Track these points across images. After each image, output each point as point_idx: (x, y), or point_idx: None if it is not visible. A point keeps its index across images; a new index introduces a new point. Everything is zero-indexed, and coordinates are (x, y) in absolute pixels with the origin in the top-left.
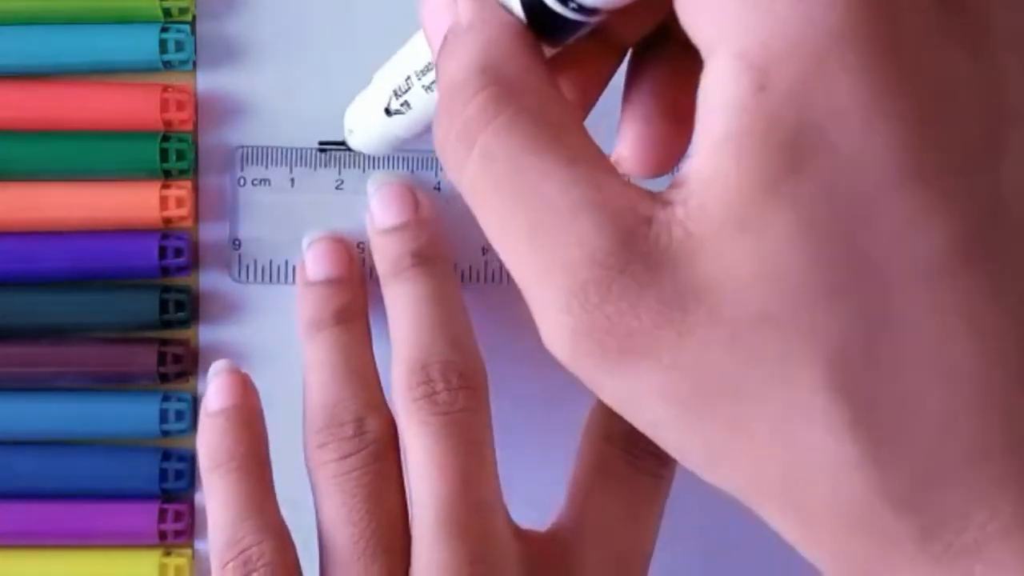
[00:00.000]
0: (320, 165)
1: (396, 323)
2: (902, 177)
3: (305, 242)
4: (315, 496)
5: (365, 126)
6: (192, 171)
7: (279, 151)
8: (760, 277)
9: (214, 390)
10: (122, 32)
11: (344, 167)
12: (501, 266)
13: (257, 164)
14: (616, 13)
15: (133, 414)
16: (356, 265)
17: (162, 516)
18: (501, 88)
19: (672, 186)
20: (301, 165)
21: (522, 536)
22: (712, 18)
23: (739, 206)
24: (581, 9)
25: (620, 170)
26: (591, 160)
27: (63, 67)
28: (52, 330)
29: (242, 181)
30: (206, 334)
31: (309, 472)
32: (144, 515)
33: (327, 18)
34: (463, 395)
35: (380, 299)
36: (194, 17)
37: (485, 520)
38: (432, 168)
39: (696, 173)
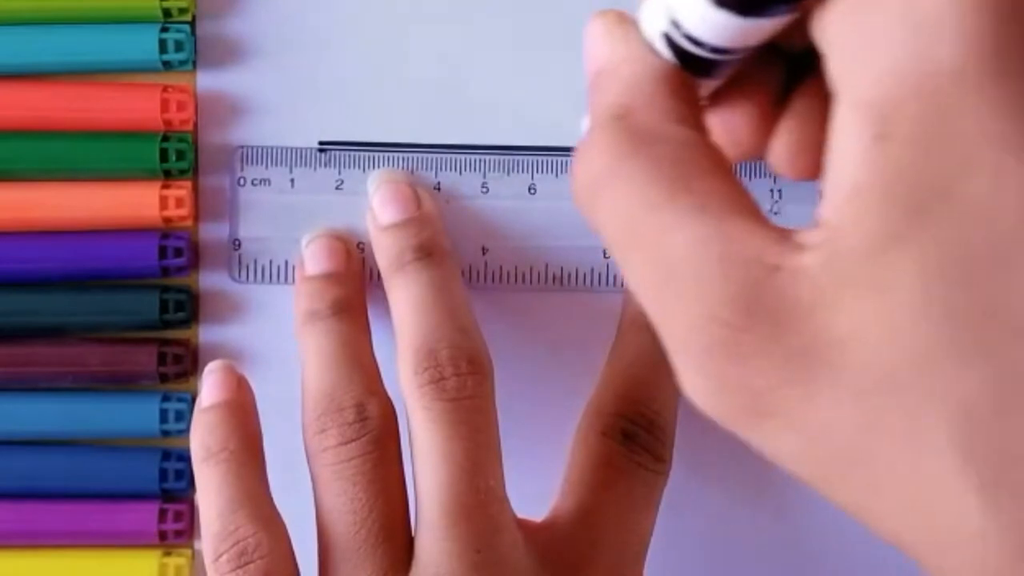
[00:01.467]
0: (320, 165)
1: (400, 313)
2: None
3: (304, 240)
4: (314, 484)
5: None
6: (192, 171)
7: (279, 151)
8: (885, 336)
9: (208, 387)
10: (122, 32)
11: (344, 167)
12: (502, 266)
13: (257, 164)
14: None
15: (133, 414)
16: (354, 261)
17: (162, 516)
18: (632, 139)
19: (805, 230)
20: (301, 165)
21: (522, 525)
22: (837, 55)
23: (863, 261)
24: (717, 50)
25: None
26: (722, 207)
27: (63, 67)
28: (52, 330)
29: (242, 181)
30: (206, 334)
31: (308, 460)
32: (144, 515)
33: (327, 18)
34: (471, 381)
35: (382, 299)
36: (194, 17)
37: (490, 507)
38: (432, 168)
39: (825, 222)
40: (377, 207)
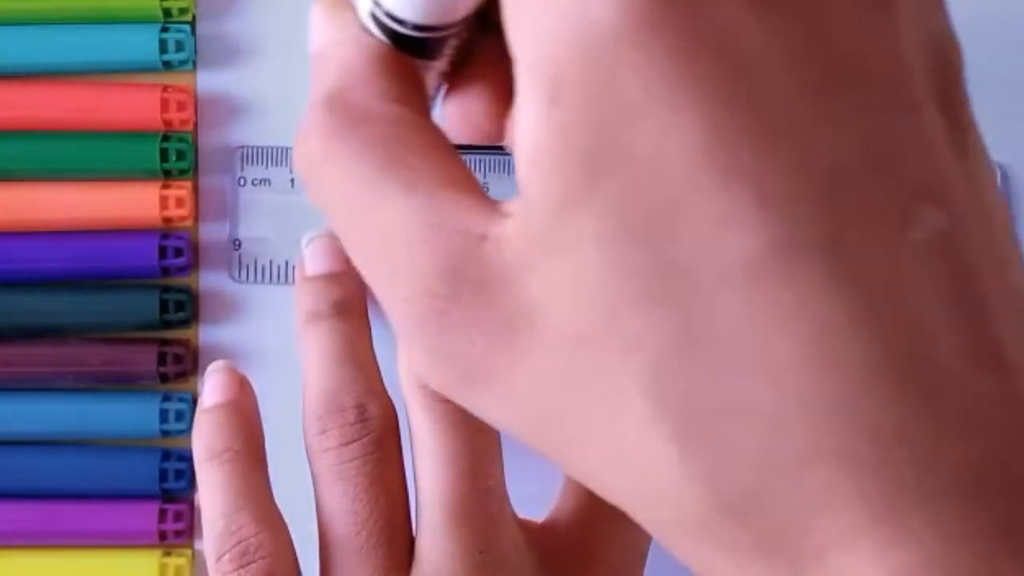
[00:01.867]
0: None
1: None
2: (704, 175)
3: (304, 240)
4: (315, 484)
5: None
6: (192, 171)
7: (279, 151)
8: (574, 296)
9: (210, 387)
10: (122, 32)
11: None
12: None
13: (257, 164)
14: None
15: (133, 414)
16: None
17: (162, 516)
18: (344, 119)
19: (509, 200)
20: None
21: (524, 525)
22: (510, 19)
23: (550, 225)
24: (420, 28)
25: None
26: (434, 181)
27: (63, 67)
28: (52, 330)
29: (242, 181)
30: (206, 334)
31: (309, 460)
32: (144, 515)
33: None
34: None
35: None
36: (194, 17)
37: (492, 508)
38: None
39: (519, 190)
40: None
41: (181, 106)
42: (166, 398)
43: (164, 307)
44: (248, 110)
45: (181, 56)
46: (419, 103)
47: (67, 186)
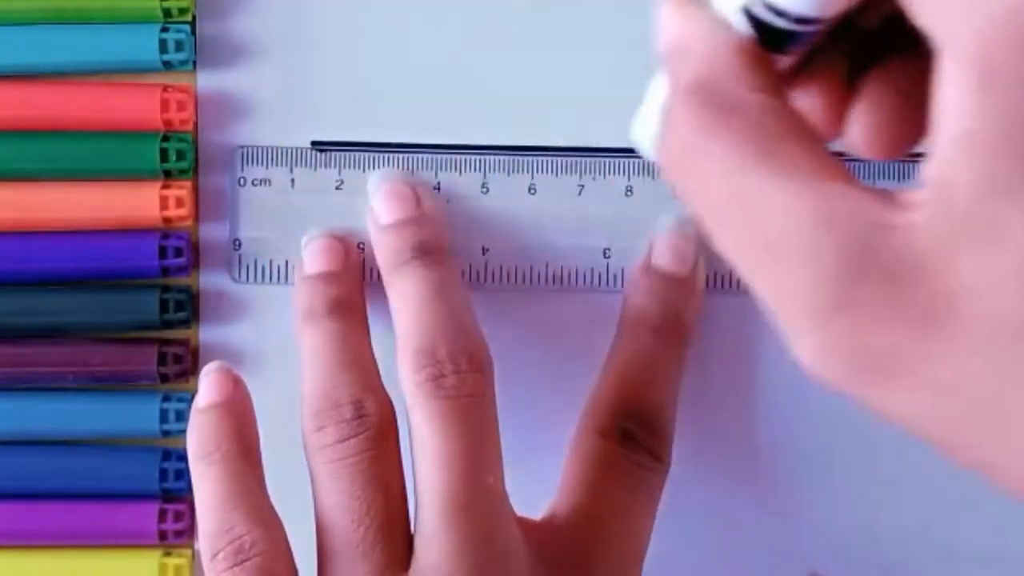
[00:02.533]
0: (320, 165)
1: (401, 311)
2: None
3: (303, 240)
4: (313, 482)
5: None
6: (192, 171)
7: (279, 151)
8: (1011, 284)
9: (205, 388)
10: (122, 32)
11: (344, 167)
12: (502, 265)
13: (257, 164)
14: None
15: (133, 414)
16: (354, 261)
17: (162, 516)
18: (712, 109)
19: (909, 191)
20: (301, 165)
21: (522, 523)
22: (934, 10)
23: (978, 210)
24: (800, 20)
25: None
26: (817, 169)
27: (63, 67)
28: (52, 330)
29: (242, 181)
30: (206, 334)
31: (307, 458)
32: (144, 515)
33: (327, 18)
34: (471, 379)
35: (383, 299)
36: (194, 17)
37: (491, 506)
38: (432, 168)
39: (933, 178)
40: (377, 207)
41: (181, 106)
42: (166, 398)
43: (164, 307)
44: (248, 110)
45: (181, 56)
46: (782, 93)
47: (67, 186)
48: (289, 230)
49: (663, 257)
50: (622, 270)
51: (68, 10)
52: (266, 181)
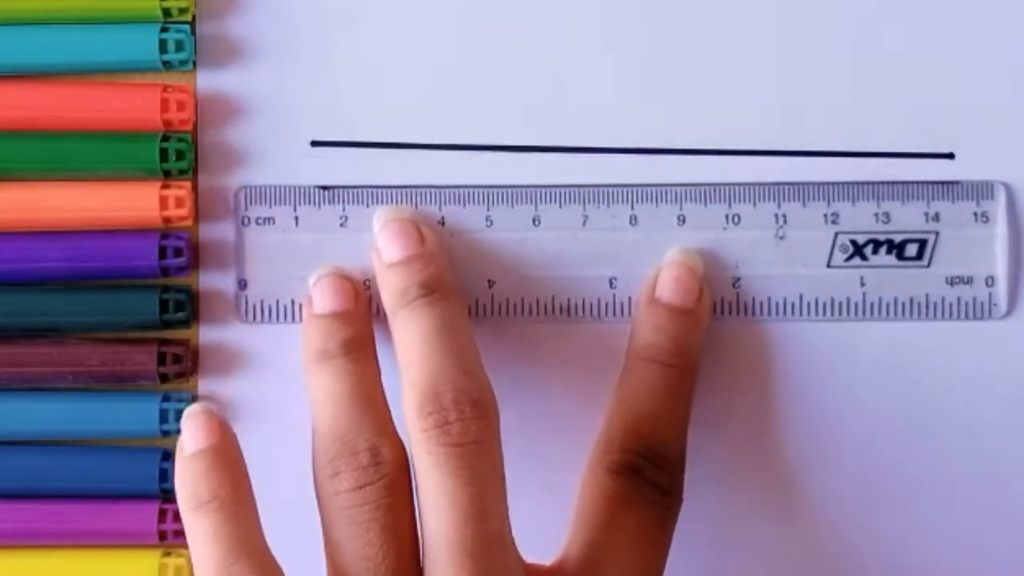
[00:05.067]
0: (324, 203)
1: (405, 352)
2: None
3: (311, 278)
4: (325, 527)
5: None
6: (192, 171)
7: (282, 190)
8: None
9: (190, 432)
10: (122, 32)
11: (348, 203)
12: (508, 298)
13: (260, 204)
14: None
15: (133, 414)
16: (363, 299)
17: (162, 516)
18: None
19: None
20: (305, 203)
21: (530, 570)
22: None
23: None
24: None
25: None
26: None
27: (63, 67)
28: (52, 330)
29: (246, 221)
30: (206, 334)
31: (319, 502)
32: (144, 515)
33: (327, 18)
34: (476, 425)
35: (387, 337)
36: (194, 17)
37: (496, 552)
38: (436, 202)
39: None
40: (381, 244)
41: (181, 106)
42: (166, 398)
43: (164, 307)
44: (248, 110)
45: (181, 56)
46: None
47: (67, 186)
48: (295, 268)
49: (667, 290)
50: (629, 299)
51: (68, 10)
52: (270, 220)
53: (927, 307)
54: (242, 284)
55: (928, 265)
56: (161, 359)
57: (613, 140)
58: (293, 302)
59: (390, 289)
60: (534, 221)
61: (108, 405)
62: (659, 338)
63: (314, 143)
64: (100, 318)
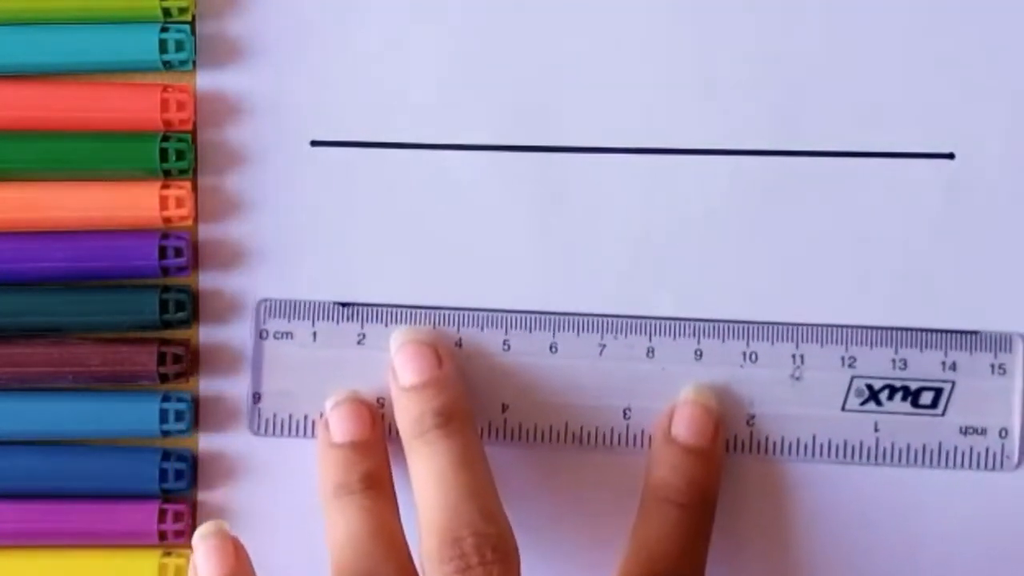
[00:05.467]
0: (343, 319)
1: (421, 489)
2: None
3: (329, 403)
4: None
5: None
6: (192, 171)
7: (301, 304)
8: None
9: (204, 557)
10: (122, 32)
11: (366, 321)
12: (521, 423)
13: (279, 317)
14: None
15: (133, 414)
16: (379, 428)
17: (162, 516)
18: None
19: None
20: (324, 319)
21: None
22: None
23: None
24: None
25: None
26: None
27: (63, 67)
28: (52, 330)
29: (264, 334)
30: (206, 334)
31: None
32: (144, 515)
33: (327, 18)
34: (497, 570)
35: (401, 456)
36: (194, 17)
37: None
38: (454, 324)
39: None
40: (398, 366)
41: (181, 106)
42: (166, 398)
43: (164, 307)
44: (248, 110)
45: (181, 56)
46: None
47: (67, 186)
48: (311, 384)
49: (683, 428)
50: (643, 430)
51: (68, 10)
52: (288, 334)
53: (940, 455)
54: (256, 397)
55: (943, 414)
56: (161, 359)
57: (613, 141)
58: (306, 418)
59: (405, 414)
60: (551, 348)
61: (108, 405)
62: (675, 478)
63: (314, 143)
64: (100, 318)
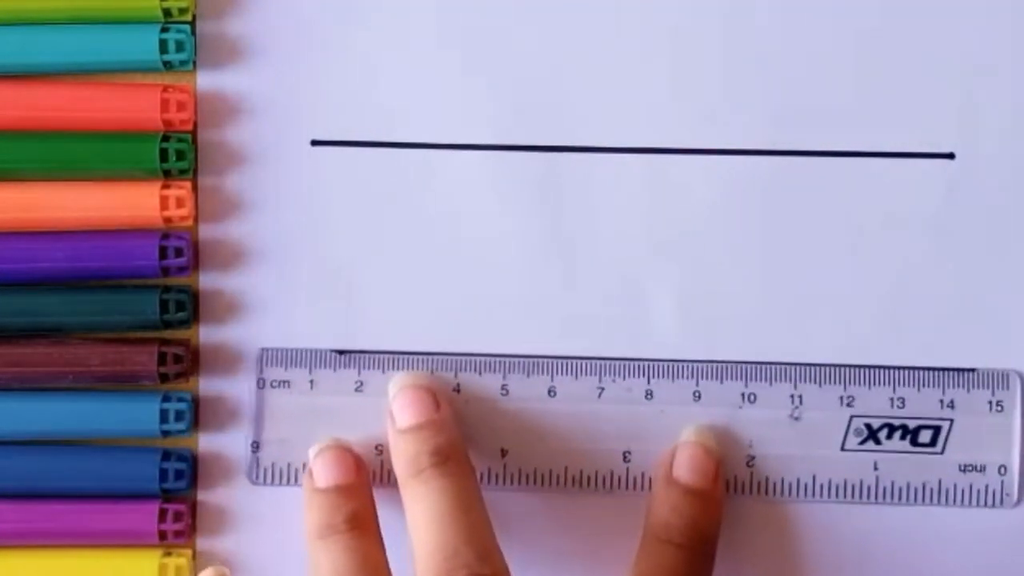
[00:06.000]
0: (340, 367)
1: (418, 524)
2: None
3: (312, 451)
4: None
5: None
6: (192, 171)
7: (299, 353)
8: None
9: None
10: (122, 32)
11: (364, 368)
12: (521, 468)
13: (277, 366)
14: None
15: (133, 414)
16: (364, 472)
17: (162, 516)
18: None
19: None
20: (321, 367)
21: None
22: None
23: None
24: None
25: None
26: None
27: (63, 67)
28: (52, 330)
29: (261, 383)
30: (206, 334)
31: None
32: (144, 515)
33: (327, 18)
34: None
35: (395, 503)
36: (194, 17)
37: None
38: (452, 369)
39: None
40: (395, 410)
41: (181, 106)
42: (166, 398)
43: (164, 307)
44: (248, 110)
45: (181, 56)
46: None
47: (67, 186)
48: (309, 432)
49: (684, 469)
50: (643, 473)
51: (68, 10)
52: (286, 383)
53: (939, 493)
54: (255, 446)
55: (942, 452)
56: (161, 359)
57: (613, 140)
58: (304, 466)
59: (401, 455)
60: (549, 392)
61: (108, 405)
62: (675, 519)
63: (314, 143)
64: (101, 318)
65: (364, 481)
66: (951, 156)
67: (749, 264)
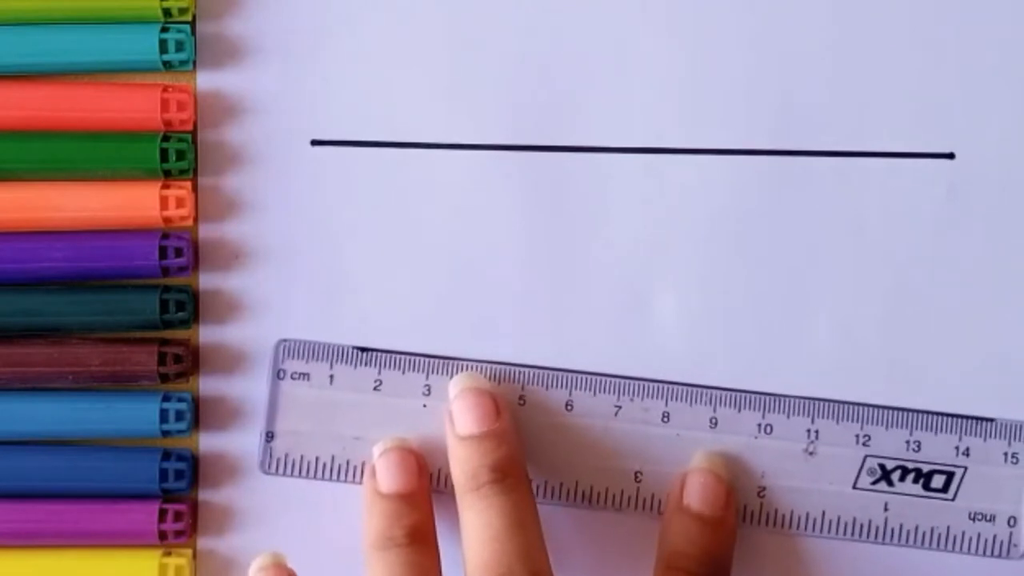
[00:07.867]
0: (360, 364)
1: (472, 544)
2: None
3: (376, 450)
4: None
5: None
6: (192, 171)
7: (320, 347)
8: None
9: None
10: (122, 32)
11: (384, 367)
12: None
13: (297, 358)
14: None
15: (133, 414)
16: (426, 477)
17: (162, 516)
18: None
19: None
20: (341, 362)
21: None
22: None
23: None
24: None
25: None
26: None
27: (63, 67)
28: (52, 330)
29: (281, 374)
30: (206, 334)
31: None
32: (144, 515)
33: (327, 18)
34: None
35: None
36: (194, 17)
37: None
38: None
39: None
40: (456, 413)
41: (181, 106)
42: (166, 398)
43: (164, 307)
44: (248, 110)
45: (181, 56)
46: None
47: (67, 186)
48: (324, 426)
49: (695, 497)
50: (652, 495)
51: (68, 10)
52: (305, 376)
53: (948, 539)
54: (269, 436)
55: (953, 498)
56: (161, 359)
57: (613, 139)
58: (317, 460)
59: (461, 465)
60: (567, 406)
61: (108, 405)
62: (688, 547)
63: (314, 143)
64: (101, 318)
65: (425, 487)
66: (951, 156)
67: (749, 265)
